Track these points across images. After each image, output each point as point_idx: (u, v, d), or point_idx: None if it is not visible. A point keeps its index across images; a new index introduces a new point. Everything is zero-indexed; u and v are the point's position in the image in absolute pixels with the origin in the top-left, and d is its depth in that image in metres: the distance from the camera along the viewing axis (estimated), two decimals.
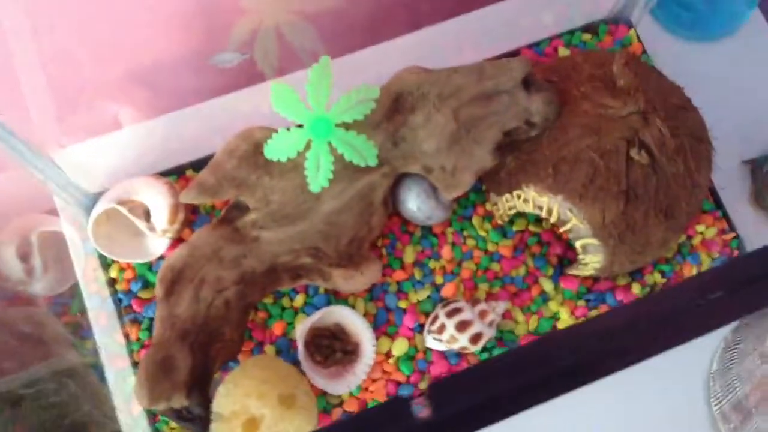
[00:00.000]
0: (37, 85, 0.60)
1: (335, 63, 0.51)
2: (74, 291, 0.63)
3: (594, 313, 0.62)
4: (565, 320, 0.61)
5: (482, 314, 0.58)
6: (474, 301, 0.60)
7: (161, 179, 0.59)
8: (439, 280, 0.62)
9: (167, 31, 0.64)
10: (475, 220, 0.64)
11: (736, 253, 0.65)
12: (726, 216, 0.66)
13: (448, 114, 0.55)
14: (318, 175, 0.54)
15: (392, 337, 0.60)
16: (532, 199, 0.58)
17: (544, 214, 0.58)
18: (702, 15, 0.73)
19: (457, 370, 0.59)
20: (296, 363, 0.58)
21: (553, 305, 0.62)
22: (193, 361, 0.53)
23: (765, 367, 0.58)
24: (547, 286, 0.62)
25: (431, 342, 0.58)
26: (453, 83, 0.56)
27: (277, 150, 0.54)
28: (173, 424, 0.56)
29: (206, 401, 0.54)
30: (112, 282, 0.59)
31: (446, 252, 0.63)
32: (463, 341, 0.57)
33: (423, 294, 0.61)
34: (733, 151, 0.68)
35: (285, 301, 0.60)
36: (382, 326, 0.60)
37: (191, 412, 0.54)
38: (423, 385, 0.58)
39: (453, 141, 0.56)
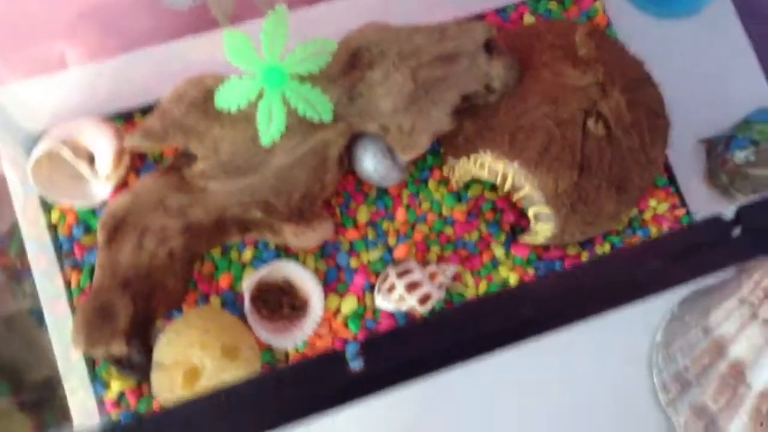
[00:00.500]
0: None
1: (294, 15, 0.49)
2: (13, 232, 0.60)
3: None
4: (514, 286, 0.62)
5: (432, 276, 0.58)
6: (425, 263, 0.60)
7: (107, 122, 0.57)
8: (392, 241, 0.62)
9: None
10: (431, 184, 0.63)
11: None
12: (678, 192, 0.67)
13: (407, 73, 0.54)
14: (270, 128, 0.52)
15: (342, 295, 0.60)
16: (488, 165, 0.57)
17: (499, 181, 0.58)
18: None
19: None
20: (242, 317, 0.57)
21: (503, 271, 0.62)
22: (134, 309, 0.52)
23: (706, 341, 0.59)
24: (499, 251, 0.62)
25: (380, 302, 0.59)
26: (414, 42, 0.55)
27: (227, 99, 0.52)
28: (113, 372, 0.55)
29: (147, 349, 0.53)
30: (53, 227, 0.58)
31: (400, 214, 0.62)
32: (411, 302, 0.57)
33: (375, 254, 0.61)
34: (690, 130, 0.69)
35: (233, 255, 0.60)
36: (332, 284, 0.60)
37: (131, 359, 0.53)
38: None
39: (411, 101, 0.55)
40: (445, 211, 0.63)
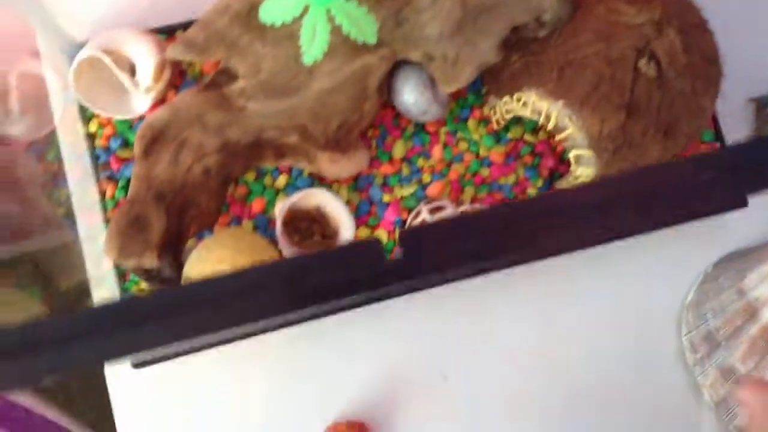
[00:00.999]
0: None
1: None
2: (52, 138, 0.61)
3: None
4: None
5: None
6: (458, 203, 0.59)
7: (150, 34, 0.56)
8: (426, 178, 0.61)
9: None
10: (471, 123, 0.62)
11: None
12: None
13: None
14: (313, 45, 0.52)
15: (373, 228, 0.59)
16: (531, 103, 0.56)
17: (542, 120, 0.56)
18: None
19: None
20: (273, 242, 0.57)
21: None
22: (167, 223, 0.52)
23: (740, 302, 0.58)
24: None
25: None
26: None
27: (272, 12, 0.51)
28: (143, 285, 0.55)
29: (178, 264, 0.53)
30: (90, 137, 0.58)
31: (437, 151, 0.61)
32: None
33: (408, 190, 0.60)
34: (740, 87, 0.66)
35: (267, 180, 0.59)
36: (364, 217, 0.59)
37: (162, 273, 0.53)
38: None
39: (458, 29, 0.54)
40: (482, 152, 0.62)
